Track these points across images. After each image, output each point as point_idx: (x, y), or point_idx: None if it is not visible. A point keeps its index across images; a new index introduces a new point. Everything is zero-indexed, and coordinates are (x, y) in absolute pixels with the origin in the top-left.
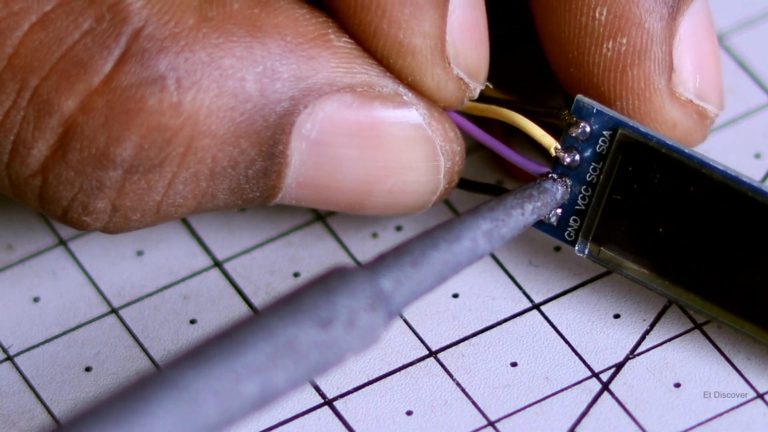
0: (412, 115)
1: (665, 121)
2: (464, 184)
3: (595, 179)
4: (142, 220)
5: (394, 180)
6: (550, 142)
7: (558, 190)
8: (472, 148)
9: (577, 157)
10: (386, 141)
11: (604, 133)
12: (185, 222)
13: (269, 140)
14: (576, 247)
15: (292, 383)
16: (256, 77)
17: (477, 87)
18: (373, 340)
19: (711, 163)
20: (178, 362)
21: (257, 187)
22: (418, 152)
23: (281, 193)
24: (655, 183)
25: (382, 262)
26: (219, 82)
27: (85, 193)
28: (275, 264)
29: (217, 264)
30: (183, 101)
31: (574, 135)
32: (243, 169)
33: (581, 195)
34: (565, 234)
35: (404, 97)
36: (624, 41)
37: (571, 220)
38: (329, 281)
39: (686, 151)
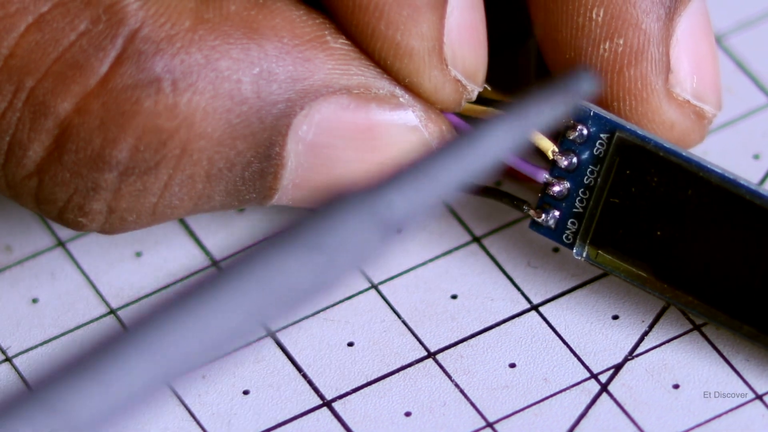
0: (408, 116)
1: (663, 122)
2: None
3: (592, 182)
4: (138, 221)
5: None
6: (547, 146)
7: (583, 85)
8: None
9: (575, 159)
10: (383, 142)
11: (602, 135)
12: (183, 223)
13: (265, 142)
14: (574, 250)
15: (288, 312)
16: (252, 79)
17: (475, 89)
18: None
19: (709, 166)
20: (158, 309)
21: (254, 188)
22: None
23: (278, 194)
24: (653, 186)
25: (386, 177)
26: (215, 84)
27: (81, 195)
28: None
29: (216, 265)
30: (179, 103)
31: (571, 138)
32: (239, 170)
33: (579, 198)
34: (563, 237)
35: (401, 99)
36: (621, 42)
37: (568, 223)
38: (325, 203)
39: (684, 154)
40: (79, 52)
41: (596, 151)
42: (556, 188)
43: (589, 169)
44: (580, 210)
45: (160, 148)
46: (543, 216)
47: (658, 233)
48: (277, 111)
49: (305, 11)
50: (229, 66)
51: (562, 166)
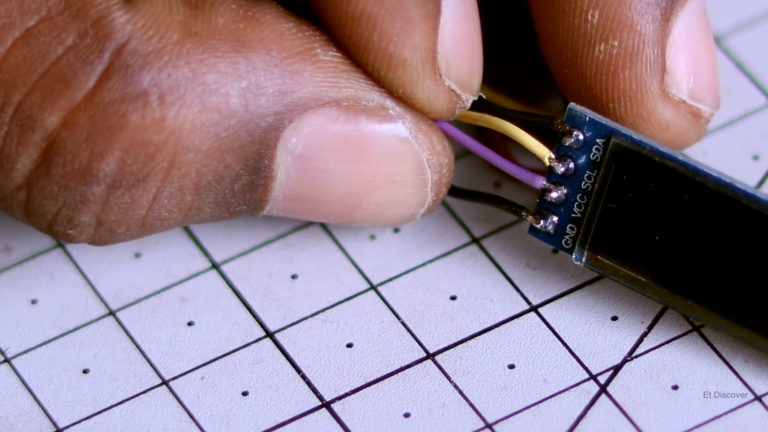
0: (398, 128)
1: (658, 123)
2: (456, 192)
3: (590, 187)
4: (127, 233)
5: (381, 193)
6: (543, 152)
7: None
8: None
9: (572, 165)
10: (372, 155)
11: (598, 141)
12: None
13: (254, 155)
14: (573, 255)
15: None
16: (240, 92)
17: (469, 98)
18: None
19: (705, 170)
20: None
21: (244, 200)
22: (404, 166)
23: (269, 206)
24: (650, 191)
25: None
26: (202, 97)
27: (69, 207)
28: (273, 266)
29: (215, 266)
30: (166, 117)
31: (567, 144)
32: (228, 183)
33: (577, 203)
34: (562, 242)
35: (390, 111)
36: (615, 44)
37: (567, 228)
38: None
39: (680, 158)
40: (66, 66)
41: (593, 156)
42: (554, 194)
43: (586, 175)
44: (579, 215)
45: (147, 161)
46: (542, 222)
47: (656, 238)
48: (265, 124)
49: (295, 23)
50: (216, 79)
51: (559, 173)
